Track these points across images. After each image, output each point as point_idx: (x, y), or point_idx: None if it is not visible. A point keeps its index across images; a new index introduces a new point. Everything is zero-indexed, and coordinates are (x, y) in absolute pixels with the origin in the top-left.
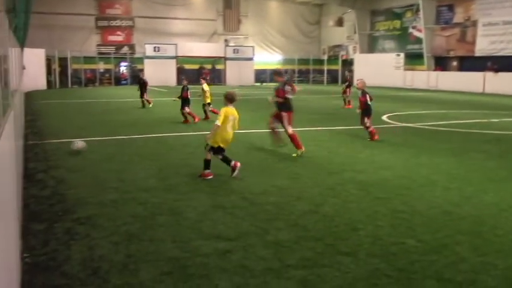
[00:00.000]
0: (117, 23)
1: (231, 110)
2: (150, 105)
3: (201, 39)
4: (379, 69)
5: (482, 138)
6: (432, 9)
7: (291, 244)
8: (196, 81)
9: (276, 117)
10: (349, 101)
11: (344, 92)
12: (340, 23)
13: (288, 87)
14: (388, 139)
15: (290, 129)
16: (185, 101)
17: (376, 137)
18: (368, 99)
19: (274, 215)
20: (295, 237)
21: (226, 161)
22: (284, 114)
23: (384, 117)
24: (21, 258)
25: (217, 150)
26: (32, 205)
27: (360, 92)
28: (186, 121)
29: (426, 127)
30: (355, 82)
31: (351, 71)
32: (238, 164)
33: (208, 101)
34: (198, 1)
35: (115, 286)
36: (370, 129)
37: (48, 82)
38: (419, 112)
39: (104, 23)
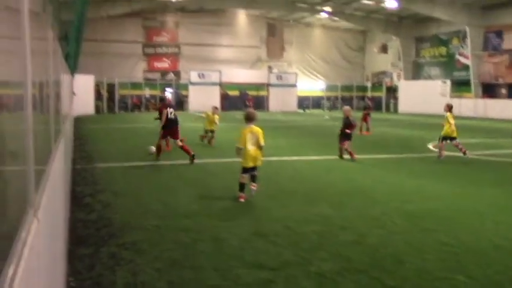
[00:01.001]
0: (164, 50)
1: (248, 129)
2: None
3: (245, 66)
4: (424, 96)
5: None
6: (480, 35)
7: (334, 276)
8: (239, 107)
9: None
10: (368, 128)
11: (364, 119)
12: (384, 49)
13: (168, 110)
14: (435, 168)
15: (178, 143)
16: None
17: (355, 156)
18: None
19: (318, 244)
20: (339, 268)
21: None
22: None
23: (430, 146)
24: (66, 282)
25: (248, 170)
26: (79, 229)
27: (351, 118)
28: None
29: (474, 156)
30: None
31: (370, 99)
32: (242, 200)
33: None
34: (242, 29)
35: None
36: (349, 150)
37: (96, 107)
38: (466, 141)
39: (151, 50)
